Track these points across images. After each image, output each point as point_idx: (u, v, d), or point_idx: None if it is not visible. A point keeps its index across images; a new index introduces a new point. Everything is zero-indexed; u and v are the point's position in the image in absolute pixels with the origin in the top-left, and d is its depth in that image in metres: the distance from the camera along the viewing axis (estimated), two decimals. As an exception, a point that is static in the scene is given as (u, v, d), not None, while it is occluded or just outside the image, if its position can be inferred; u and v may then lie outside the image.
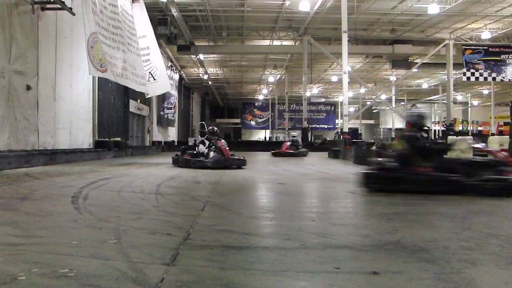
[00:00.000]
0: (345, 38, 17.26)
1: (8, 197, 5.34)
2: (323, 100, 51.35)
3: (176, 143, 32.71)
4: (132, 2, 14.47)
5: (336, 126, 45.15)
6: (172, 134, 34.49)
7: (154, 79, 14.72)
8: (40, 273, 2.27)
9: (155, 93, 15.81)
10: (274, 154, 21.05)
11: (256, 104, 54.50)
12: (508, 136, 8.46)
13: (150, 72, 14.54)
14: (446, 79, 29.17)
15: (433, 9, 19.71)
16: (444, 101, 36.39)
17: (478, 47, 25.30)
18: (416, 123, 6.54)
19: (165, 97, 29.00)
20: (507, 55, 24.76)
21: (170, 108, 30.64)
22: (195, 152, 11.71)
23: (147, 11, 21.03)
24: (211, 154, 11.30)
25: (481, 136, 33.92)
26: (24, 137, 11.34)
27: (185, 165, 11.37)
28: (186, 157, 11.78)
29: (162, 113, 29.09)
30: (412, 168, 6.11)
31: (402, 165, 6.18)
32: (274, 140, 45.40)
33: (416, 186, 5.88)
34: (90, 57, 10.67)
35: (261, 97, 52.40)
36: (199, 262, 2.55)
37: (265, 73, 38.34)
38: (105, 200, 5.25)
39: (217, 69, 36.86)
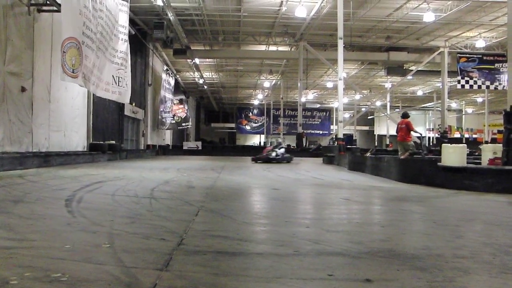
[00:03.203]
0: (340, 44, 17.34)
1: (1, 199, 5.30)
2: (318, 106, 51.49)
3: (170, 147, 32.73)
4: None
5: (331, 132, 45.23)
6: (167, 137, 34.48)
7: (125, 86, 14.35)
8: (33, 277, 2.26)
9: (125, 101, 15.37)
10: (254, 160, 19.44)
11: (252, 109, 54.55)
12: (501, 144, 8.49)
13: (124, 78, 14.20)
14: (441, 87, 29.37)
15: (429, 17, 19.84)
16: (438, 109, 36.58)
17: (472, 55, 25.51)
18: None
19: (162, 100, 29.03)
20: (501, 64, 24.95)
21: (168, 112, 30.74)
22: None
23: (143, 14, 21.14)
24: None
25: (475, 144, 34.17)
26: (18, 139, 11.29)
27: None
28: None
29: (160, 116, 29.16)
30: None
31: None
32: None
33: None
34: (62, 62, 10.22)
35: (256, 102, 52.46)
36: (192, 268, 2.54)
37: (261, 78, 38.41)
38: (98, 203, 5.22)
39: (212, 73, 36.89)
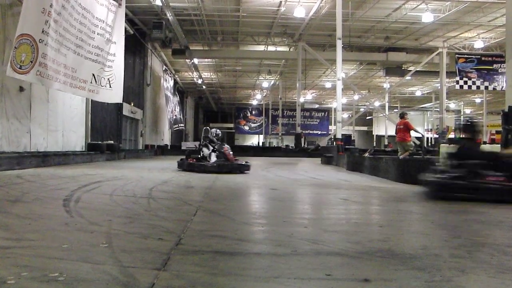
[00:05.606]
0: (339, 44, 17.35)
1: (-2, 199, 5.29)
2: (316, 106, 51.51)
3: (169, 147, 32.68)
4: (119, 6, 14.15)
5: (330, 132, 45.23)
6: (166, 137, 34.45)
7: (110, 87, 14.14)
8: (30, 277, 2.25)
9: (107, 101, 15.18)
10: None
11: (250, 109, 54.58)
12: (499, 145, 8.50)
13: (108, 79, 13.97)
14: (439, 87, 29.39)
15: (427, 17, 19.88)
16: (437, 109, 36.62)
17: (471, 56, 25.54)
18: None
19: (167, 101, 29.11)
20: (499, 64, 24.98)
21: (173, 112, 30.90)
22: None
23: (142, 14, 21.12)
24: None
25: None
26: (16, 138, 11.27)
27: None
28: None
29: (169, 116, 29.21)
30: None
31: None
32: (268, 145, 45.44)
33: None
34: (11, 58, 9.67)
35: (255, 102, 52.47)
36: (190, 268, 2.54)
37: (260, 78, 38.42)
38: (96, 203, 5.21)
39: (211, 73, 36.89)
